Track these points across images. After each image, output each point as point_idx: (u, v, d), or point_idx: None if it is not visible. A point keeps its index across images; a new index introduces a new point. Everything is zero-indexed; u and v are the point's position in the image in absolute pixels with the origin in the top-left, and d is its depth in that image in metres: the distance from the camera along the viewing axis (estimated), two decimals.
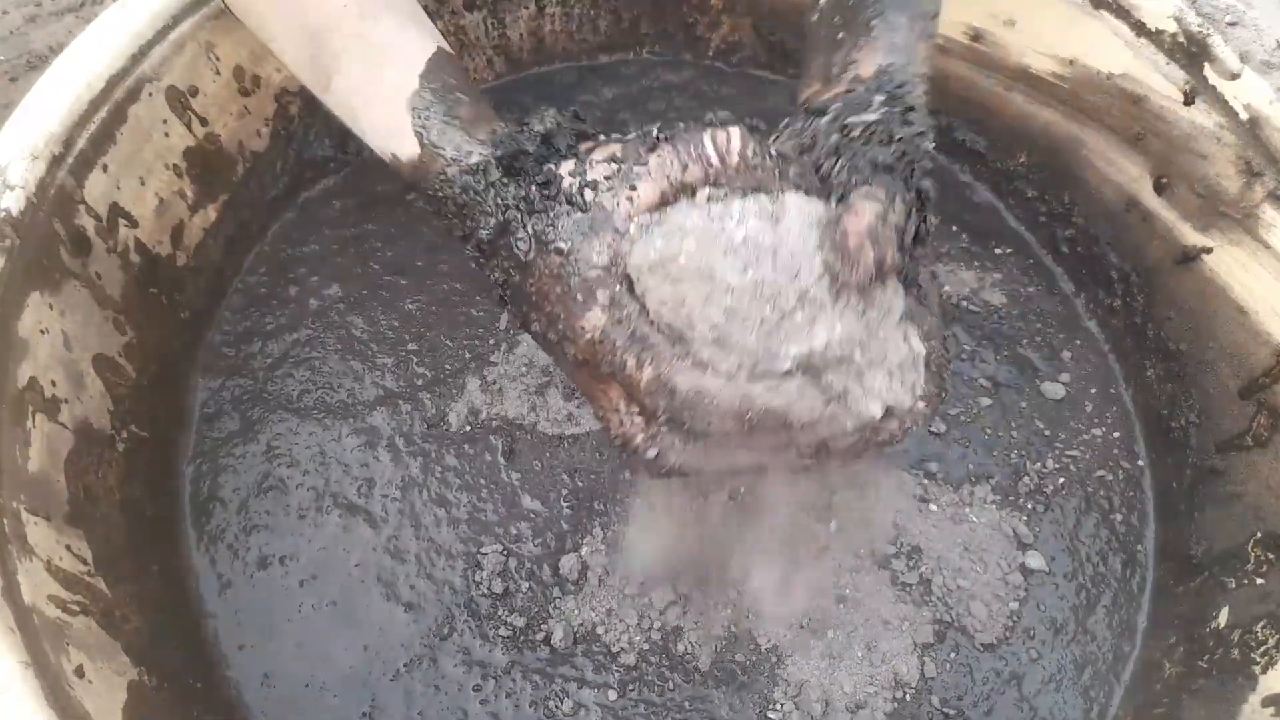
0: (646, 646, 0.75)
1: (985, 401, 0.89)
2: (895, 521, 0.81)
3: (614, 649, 0.75)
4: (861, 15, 0.62)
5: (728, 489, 0.68)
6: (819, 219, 0.50)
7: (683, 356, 0.50)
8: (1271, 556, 0.74)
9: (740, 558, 0.74)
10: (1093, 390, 0.92)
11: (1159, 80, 0.83)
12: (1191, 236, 0.84)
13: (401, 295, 0.92)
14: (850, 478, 0.74)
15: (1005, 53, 0.94)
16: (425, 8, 0.70)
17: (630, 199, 0.53)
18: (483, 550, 0.78)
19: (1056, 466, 0.87)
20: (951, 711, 0.75)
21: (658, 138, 0.55)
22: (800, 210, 0.50)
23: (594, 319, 0.52)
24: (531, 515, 0.80)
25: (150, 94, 0.76)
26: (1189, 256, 0.85)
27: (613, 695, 0.73)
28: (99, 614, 0.64)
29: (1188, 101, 0.81)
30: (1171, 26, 0.81)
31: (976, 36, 0.95)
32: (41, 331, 0.66)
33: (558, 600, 0.76)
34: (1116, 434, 0.90)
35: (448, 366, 0.87)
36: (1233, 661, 0.72)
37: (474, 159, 0.59)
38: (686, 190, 0.53)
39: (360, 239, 0.95)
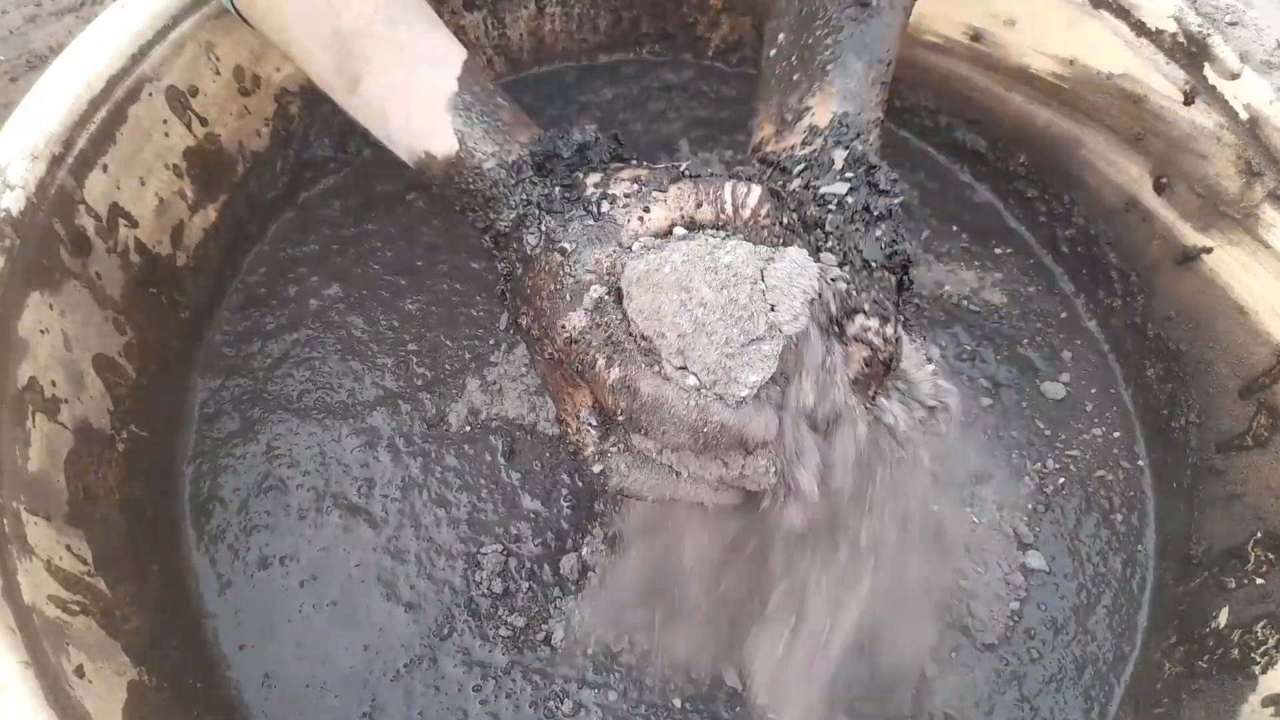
0: (648, 647, 0.75)
1: (985, 401, 0.89)
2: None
3: (615, 649, 0.75)
4: (818, 58, 0.64)
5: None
6: (812, 286, 0.52)
7: (651, 364, 0.52)
8: (1271, 556, 0.74)
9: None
10: (1093, 390, 0.92)
11: (1159, 80, 0.83)
12: (1191, 236, 0.84)
13: (401, 295, 0.92)
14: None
15: (1005, 53, 0.94)
16: None
17: (641, 219, 0.55)
18: (483, 550, 0.78)
19: (1057, 466, 0.87)
20: (952, 712, 0.75)
21: (683, 172, 0.57)
22: (795, 263, 0.52)
23: (575, 320, 0.54)
24: (531, 515, 0.80)
25: (150, 94, 0.76)
26: (1189, 256, 0.85)
27: (613, 696, 0.73)
28: (99, 614, 0.64)
29: (1188, 101, 0.81)
30: (1171, 26, 0.81)
31: (976, 36, 0.95)
32: (41, 331, 0.66)
33: (558, 600, 0.76)
34: (1117, 434, 0.90)
35: (448, 367, 0.87)
36: (1233, 661, 0.72)
37: (512, 156, 0.61)
38: (694, 226, 0.55)
39: (360, 239, 0.95)
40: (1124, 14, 0.84)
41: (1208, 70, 0.79)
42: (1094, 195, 0.94)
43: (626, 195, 0.56)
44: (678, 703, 0.73)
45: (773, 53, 0.68)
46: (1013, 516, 0.83)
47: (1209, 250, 0.82)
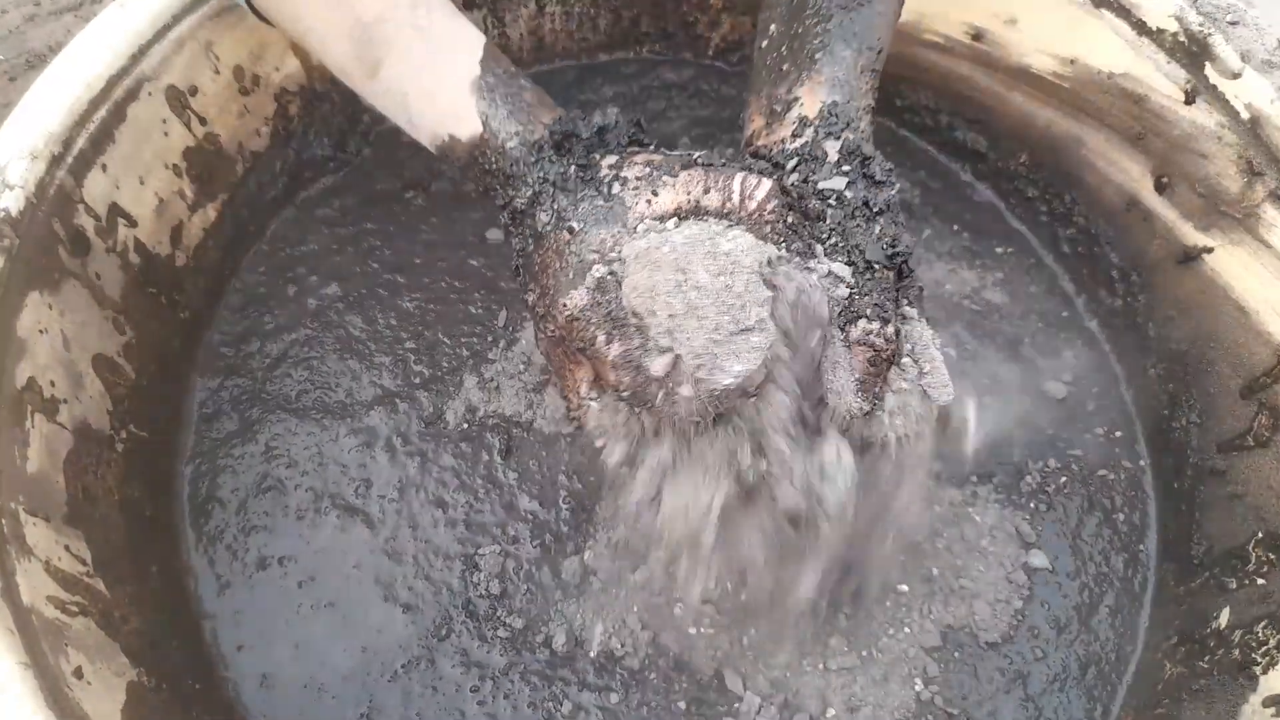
0: (652, 650, 0.74)
1: (986, 400, 0.89)
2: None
3: (618, 654, 0.75)
4: (807, 47, 0.65)
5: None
6: (816, 302, 0.53)
7: (644, 341, 0.52)
8: (1272, 557, 0.74)
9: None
10: (1094, 390, 0.92)
11: (1160, 80, 0.83)
12: (1192, 236, 0.84)
13: (400, 294, 0.91)
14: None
15: (1006, 52, 0.94)
16: None
17: (649, 202, 0.56)
18: (480, 551, 0.78)
19: (1059, 465, 0.87)
20: (956, 711, 0.74)
21: (696, 160, 0.58)
22: (798, 277, 0.53)
23: (576, 298, 0.55)
24: (530, 516, 0.80)
25: (150, 93, 0.76)
26: (1190, 256, 0.84)
27: (614, 699, 0.73)
28: (98, 615, 0.63)
29: (1189, 101, 0.81)
30: (1172, 26, 0.81)
31: (978, 35, 0.94)
32: (40, 331, 0.66)
33: (559, 603, 0.76)
34: (1118, 433, 0.90)
35: (445, 364, 0.87)
36: (1233, 662, 0.72)
37: (535, 136, 0.62)
38: (699, 212, 0.56)
39: (359, 238, 0.95)
40: (1125, 13, 0.83)
41: (1209, 70, 0.79)
42: (1095, 195, 0.94)
43: (638, 178, 0.57)
44: (682, 704, 0.73)
45: (764, 43, 0.69)
46: (1015, 515, 0.83)
47: (1210, 250, 0.82)
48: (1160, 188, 0.87)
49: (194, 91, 0.80)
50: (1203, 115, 0.80)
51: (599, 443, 0.59)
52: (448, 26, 0.66)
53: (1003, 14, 0.92)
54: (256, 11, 0.73)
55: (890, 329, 0.55)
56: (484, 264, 0.94)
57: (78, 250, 0.70)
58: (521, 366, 0.86)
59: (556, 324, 0.56)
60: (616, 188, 0.57)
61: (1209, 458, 0.83)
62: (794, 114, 0.63)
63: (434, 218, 0.97)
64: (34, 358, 0.65)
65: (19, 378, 0.63)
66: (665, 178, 0.56)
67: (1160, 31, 0.82)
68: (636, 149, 0.62)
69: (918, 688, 0.75)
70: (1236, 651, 0.72)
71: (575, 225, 0.57)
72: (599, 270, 0.54)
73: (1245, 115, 0.77)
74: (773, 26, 0.68)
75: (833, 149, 0.59)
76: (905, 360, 0.57)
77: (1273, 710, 0.67)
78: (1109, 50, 0.85)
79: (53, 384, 0.67)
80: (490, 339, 0.89)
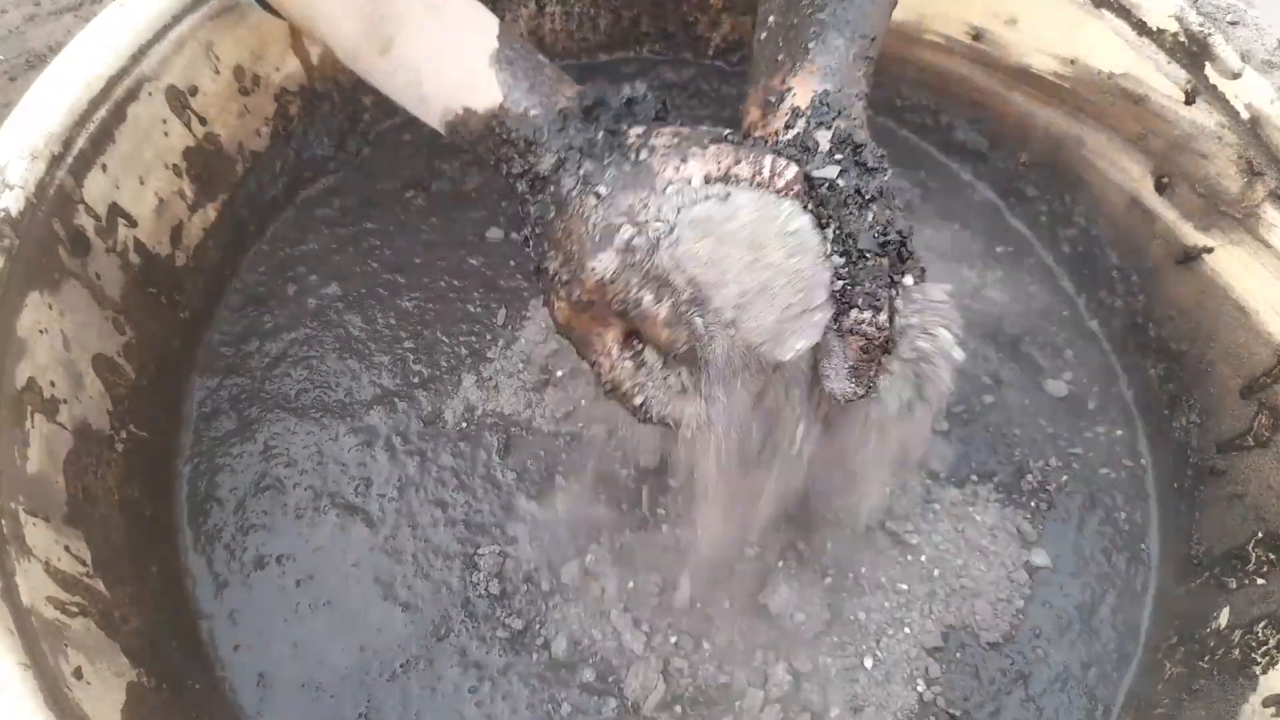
0: (654, 659, 0.74)
1: (988, 399, 0.89)
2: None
3: (614, 659, 0.74)
4: (801, 36, 0.66)
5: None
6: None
7: (699, 304, 0.54)
8: (1272, 557, 0.74)
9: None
10: (1095, 389, 0.92)
11: (1160, 80, 0.83)
12: (1192, 236, 0.84)
13: (399, 293, 0.91)
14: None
15: (1006, 52, 0.94)
16: None
17: (676, 168, 0.56)
18: (480, 551, 0.78)
19: (1060, 464, 0.87)
20: (958, 712, 0.74)
21: (725, 136, 0.59)
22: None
23: (605, 260, 0.55)
24: (529, 517, 0.80)
25: (150, 93, 0.76)
26: (1190, 256, 0.84)
27: (613, 703, 0.73)
28: (98, 615, 0.63)
29: (1189, 101, 0.81)
30: (1173, 26, 0.81)
31: (978, 35, 0.94)
32: (40, 331, 0.66)
33: (558, 605, 0.76)
34: (1119, 432, 0.90)
35: (444, 364, 0.87)
36: (1233, 662, 0.72)
37: (560, 105, 0.62)
38: (730, 180, 0.56)
39: (358, 237, 0.95)
40: (1125, 13, 0.83)
41: (1209, 70, 0.79)
42: (1095, 195, 0.94)
43: (666, 146, 0.58)
44: (679, 709, 0.73)
45: (763, 36, 0.69)
46: (1016, 514, 0.83)
47: (1210, 250, 0.82)
48: (1160, 188, 0.87)
49: (194, 91, 0.80)
50: (1203, 115, 0.80)
51: (637, 400, 0.59)
52: (460, 5, 0.67)
53: (1003, 14, 0.92)
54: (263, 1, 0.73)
55: (882, 317, 0.55)
56: (483, 263, 0.94)
57: (78, 250, 0.70)
58: (520, 365, 0.86)
59: (584, 287, 0.57)
60: (644, 154, 0.58)
61: (1209, 458, 0.83)
62: (787, 104, 0.63)
63: (434, 217, 0.97)
64: (34, 358, 0.65)
65: (19, 378, 0.63)
66: (694, 148, 0.57)
67: (1160, 32, 0.82)
68: (661, 123, 0.63)
69: (920, 688, 0.75)
70: (1236, 651, 0.72)
71: (602, 190, 0.57)
72: (627, 231, 0.55)
73: (1245, 115, 0.77)
74: (771, 19, 0.69)
75: (824, 138, 0.60)
76: (913, 329, 0.59)
77: (1273, 710, 0.67)
78: (1109, 50, 0.85)
79: (53, 384, 0.67)
80: (489, 338, 0.89)
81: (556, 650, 0.74)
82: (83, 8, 1.34)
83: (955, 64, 0.98)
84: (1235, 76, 0.78)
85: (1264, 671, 0.69)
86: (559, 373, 0.86)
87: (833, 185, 0.57)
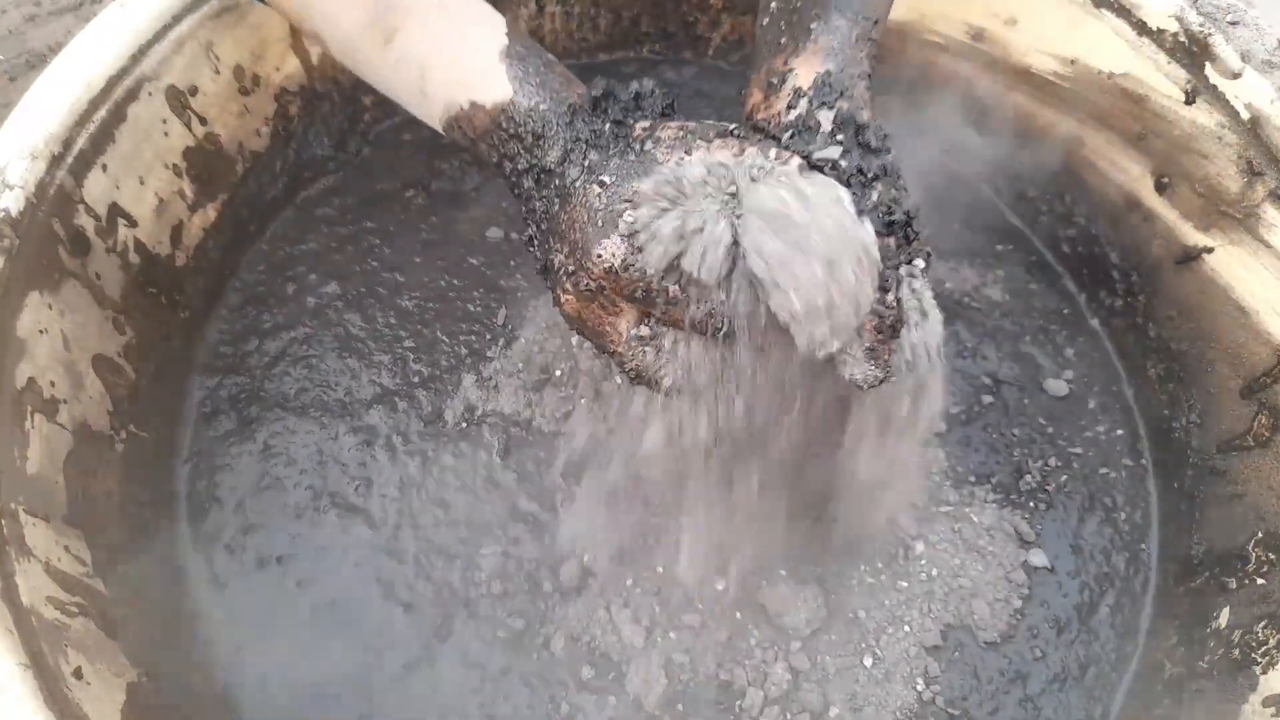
0: (655, 655, 0.74)
1: (987, 399, 0.89)
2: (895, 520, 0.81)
3: (614, 658, 0.74)
4: (804, 18, 0.66)
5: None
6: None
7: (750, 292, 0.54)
8: (1272, 557, 0.74)
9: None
10: (1095, 388, 0.92)
11: (1160, 80, 0.83)
12: (1193, 236, 0.84)
13: (399, 292, 0.91)
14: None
15: (1006, 52, 0.94)
16: None
17: (679, 162, 0.56)
18: (481, 551, 0.78)
19: (1059, 464, 0.87)
20: (956, 712, 0.74)
21: (731, 131, 0.59)
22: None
23: (610, 246, 0.55)
24: (529, 517, 0.80)
25: (150, 93, 0.76)
26: (1190, 256, 0.84)
27: (613, 701, 0.73)
28: (97, 615, 0.63)
29: (1189, 101, 0.81)
30: (1173, 26, 0.81)
31: (978, 35, 0.94)
32: (40, 332, 0.66)
33: (558, 605, 0.76)
34: (1119, 432, 0.90)
35: (444, 363, 0.87)
36: (1233, 662, 0.72)
37: (570, 100, 0.62)
38: None
39: (358, 237, 0.95)
40: (1125, 13, 0.83)
41: (1209, 70, 0.79)
42: (1095, 194, 0.94)
43: (672, 139, 0.58)
44: (680, 708, 0.73)
45: (765, 21, 0.69)
46: (1014, 515, 0.83)
47: (1210, 250, 0.82)
48: (1160, 188, 0.87)
49: (194, 91, 0.80)
50: (1203, 115, 0.80)
51: (666, 381, 0.59)
52: (468, 1, 0.66)
53: (1003, 14, 0.92)
54: None
55: (891, 296, 0.56)
56: (483, 263, 0.94)
57: (78, 250, 0.70)
58: (520, 365, 0.86)
59: (591, 275, 0.56)
60: (649, 145, 0.58)
61: (1209, 458, 0.83)
62: (789, 85, 0.63)
63: (433, 217, 0.97)
64: (34, 358, 0.65)
65: (19, 378, 0.63)
66: (699, 141, 0.57)
67: (1160, 32, 0.82)
68: (668, 119, 0.63)
69: (919, 687, 0.75)
70: (1236, 651, 0.72)
71: (607, 179, 0.57)
72: (630, 217, 0.55)
73: (1245, 115, 0.77)
74: (773, 4, 0.69)
75: (826, 119, 0.60)
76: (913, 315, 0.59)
77: (1273, 710, 0.67)
78: (1109, 50, 0.85)
79: (53, 384, 0.67)
80: (489, 337, 0.89)
81: (557, 649, 0.74)
82: (83, 8, 1.34)
83: (955, 64, 0.98)
84: (1235, 76, 0.78)
85: (1264, 671, 0.69)
86: (559, 373, 0.86)
87: (835, 165, 0.57)
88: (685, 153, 0.56)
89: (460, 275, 0.93)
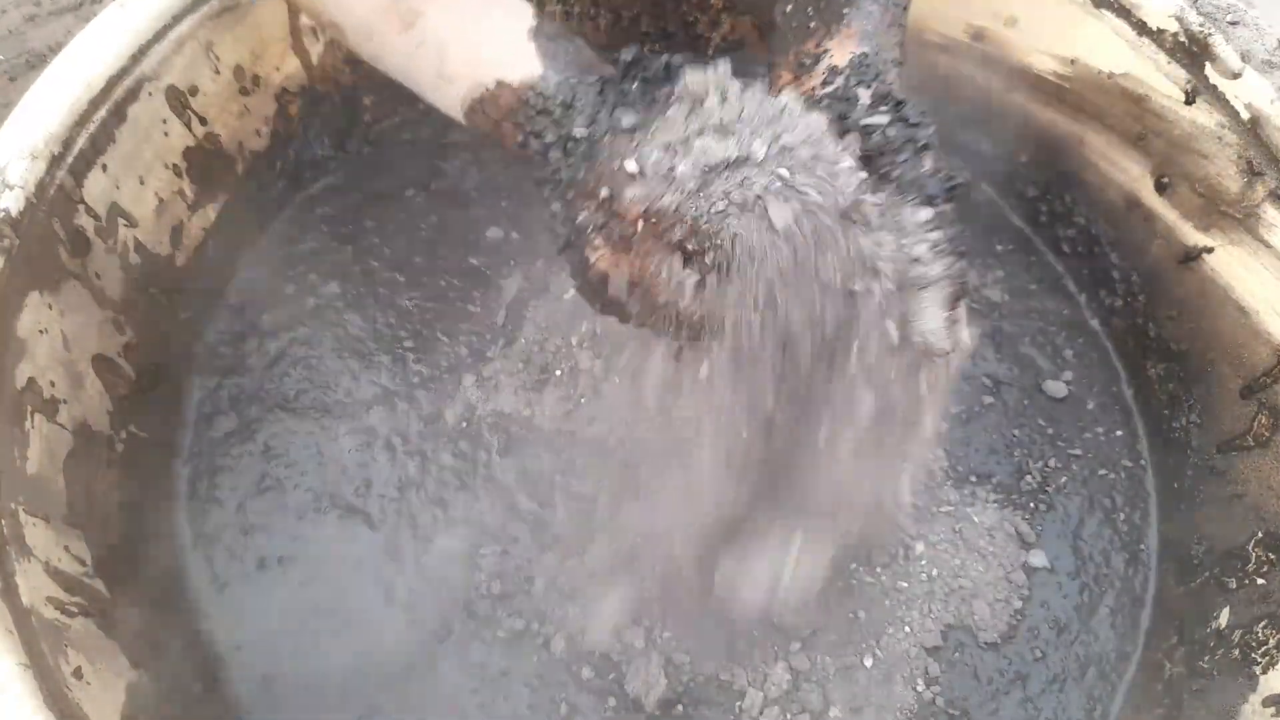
0: (655, 655, 0.74)
1: (987, 399, 0.89)
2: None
3: (614, 658, 0.74)
4: (834, 2, 0.65)
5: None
6: None
7: None
8: (1272, 556, 0.74)
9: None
10: (1095, 389, 0.92)
11: (1160, 80, 0.82)
12: (1193, 236, 0.84)
13: (399, 292, 0.91)
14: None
15: (1006, 52, 0.94)
16: None
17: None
18: (481, 551, 0.78)
19: (1059, 465, 0.87)
20: (957, 712, 0.74)
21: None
22: None
23: (643, 184, 0.54)
24: (529, 517, 0.80)
25: (150, 94, 0.75)
26: (1190, 256, 0.84)
27: (612, 702, 0.73)
28: (98, 615, 0.63)
29: (1189, 101, 0.81)
30: (1173, 26, 0.81)
31: (978, 35, 0.94)
32: (40, 332, 0.66)
33: (558, 605, 0.76)
34: (1119, 433, 0.89)
35: (444, 363, 0.87)
36: (1233, 662, 0.72)
37: (601, 74, 0.63)
38: None
39: (358, 237, 0.95)
40: (1125, 13, 0.83)
41: (1209, 70, 0.79)
42: (1095, 195, 0.94)
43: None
44: (680, 708, 0.73)
45: (789, 8, 0.69)
46: (1014, 515, 0.83)
47: (1210, 250, 0.82)
48: (1160, 188, 0.87)
49: (194, 91, 0.80)
50: (1203, 115, 0.80)
51: (729, 321, 0.55)
52: None
53: (1003, 14, 0.92)
54: None
55: (964, 262, 0.56)
56: (483, 263, 0.93)
57: (78, 250, 0.70)
58: (520, 365, 0.86)
59: (626, 218, 0.56)
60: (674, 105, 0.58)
61: (1209, 458, 0.83)
62: (823, 64, 0.63)
63: (434, 216, 0.96)
64: (34, 358, 0.65)
65: (19, 378, 0.63)
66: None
67: (1160, 32, 0.81)
68: None
69: (919, 688, 0.75)
70: (1236, 651, 0.72)
71: (634, 126, 0.57)
72: (657, 154, 0.54)
73: (1245, 115, 0.77)
74: None
75: (864, 94, 0.60)
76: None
77: (1273, 710, 0.67)
78: (1109, 50, 0.85)
79: (53, 384, 0.67)
80: (489, 337, 0.89)
81: (556, 649, 0.74)
82: (83, 8, 1.34)
83: (955, 64, 0.98)
84: (1235, 76, 0.78)
85: (1264, 671, 0.69)
86: (559, 372, 0.86)
87: (884, 133, 0.57)
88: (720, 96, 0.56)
89: (460, 275, 0.93)
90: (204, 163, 0.84)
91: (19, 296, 0.64)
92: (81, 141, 0.70)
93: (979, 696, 0.76)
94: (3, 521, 0.58)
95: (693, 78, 0.55)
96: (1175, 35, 0.81)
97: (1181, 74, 0.81)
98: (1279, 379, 0.76)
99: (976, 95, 0.99)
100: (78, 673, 0.57)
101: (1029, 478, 0.85)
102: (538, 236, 0.94)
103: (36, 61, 1.27)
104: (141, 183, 0.77)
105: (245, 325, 0.89)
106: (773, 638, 0.75)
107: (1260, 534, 0.76)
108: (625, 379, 0.69)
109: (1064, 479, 0.86)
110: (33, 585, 0.58)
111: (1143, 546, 0.84)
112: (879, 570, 0.79)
